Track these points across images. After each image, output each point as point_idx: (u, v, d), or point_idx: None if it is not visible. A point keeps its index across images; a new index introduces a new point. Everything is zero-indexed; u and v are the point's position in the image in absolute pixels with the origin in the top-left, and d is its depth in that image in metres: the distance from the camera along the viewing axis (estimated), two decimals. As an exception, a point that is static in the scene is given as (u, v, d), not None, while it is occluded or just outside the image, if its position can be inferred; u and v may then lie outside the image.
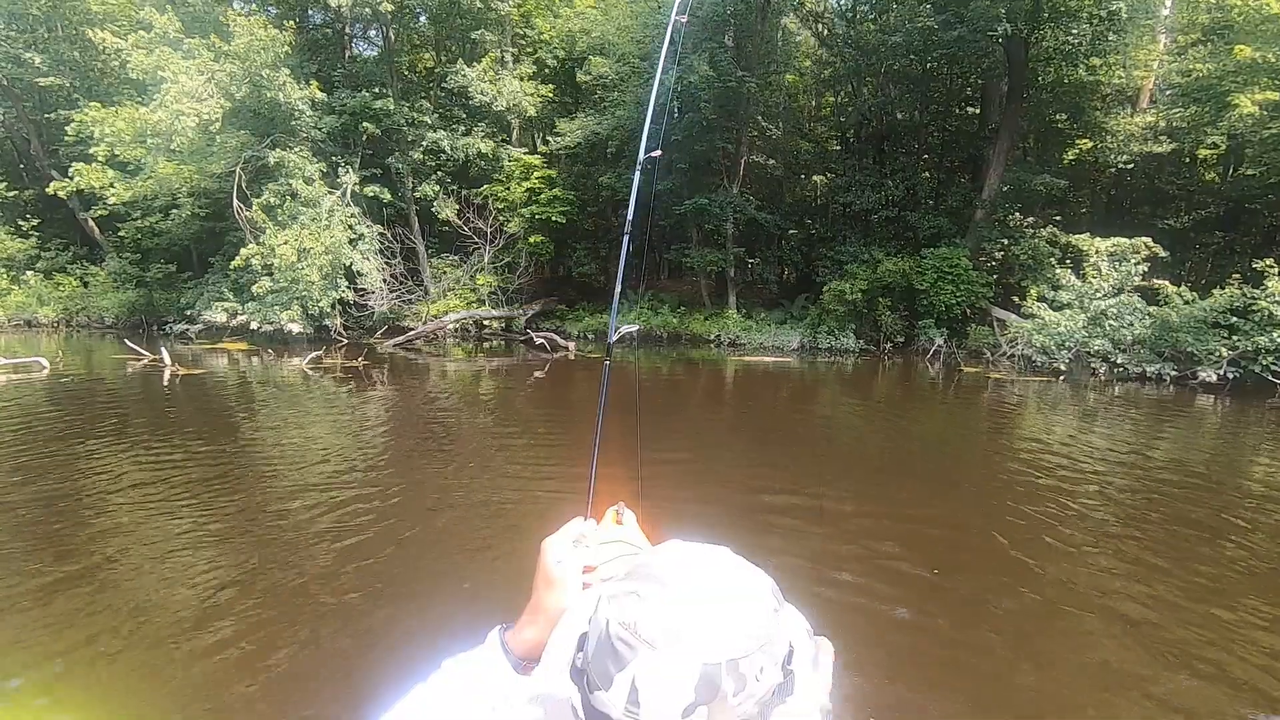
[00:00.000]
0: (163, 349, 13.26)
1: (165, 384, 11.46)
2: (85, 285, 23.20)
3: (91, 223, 23.23)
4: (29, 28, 21.92)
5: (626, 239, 1.75)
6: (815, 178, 23.55)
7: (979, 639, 3.82)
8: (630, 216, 1.76)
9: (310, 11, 21.05)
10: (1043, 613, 4.13)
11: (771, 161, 23.51)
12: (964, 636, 3.82)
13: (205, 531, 5.01)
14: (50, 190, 19.10)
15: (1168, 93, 18.62)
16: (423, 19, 22.05)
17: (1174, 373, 13.47)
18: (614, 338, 1.61)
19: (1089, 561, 4.90)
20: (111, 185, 17.66)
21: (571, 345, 17.38)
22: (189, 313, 19.52)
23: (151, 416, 9.07)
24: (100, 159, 17.36)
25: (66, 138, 18.65)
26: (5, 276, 22.69)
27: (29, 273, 23.13)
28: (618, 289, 1.82)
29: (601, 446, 1.35)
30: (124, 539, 4.87)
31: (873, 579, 4.43)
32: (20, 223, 23.53)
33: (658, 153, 1.70)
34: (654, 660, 0.59)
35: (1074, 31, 15.11)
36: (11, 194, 23.52)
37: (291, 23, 17.31)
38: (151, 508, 5.46)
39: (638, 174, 1.71)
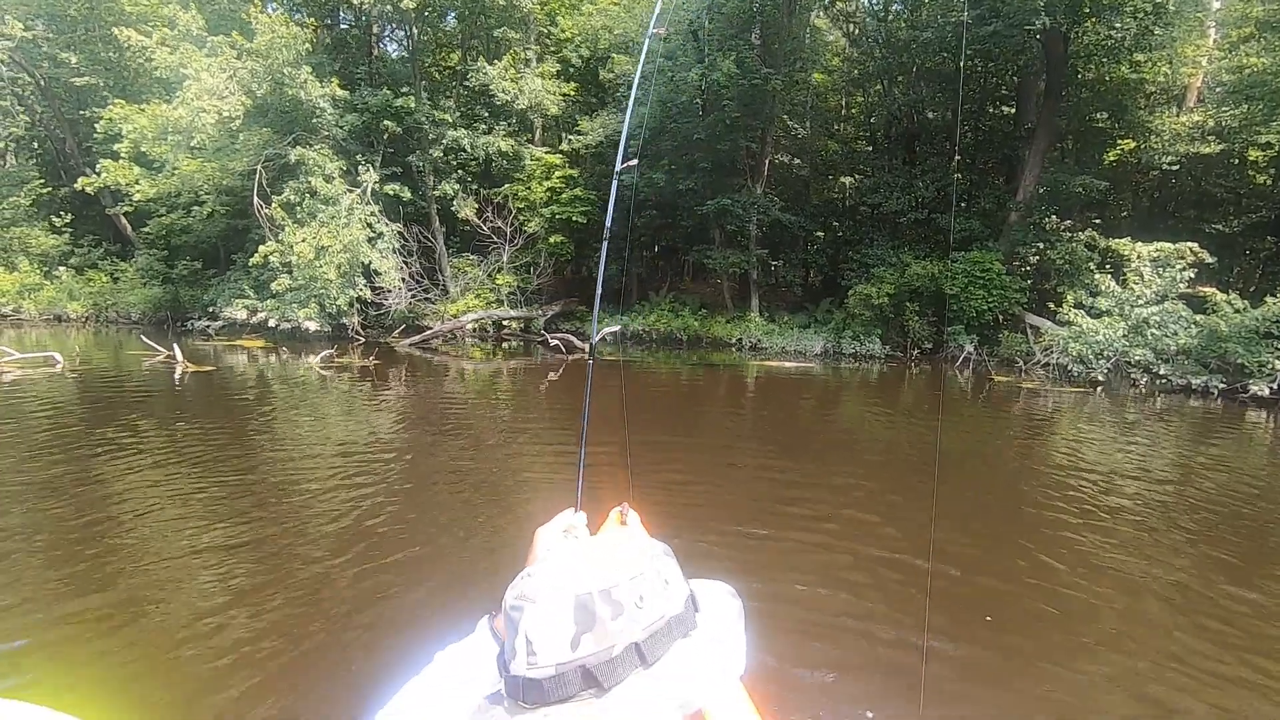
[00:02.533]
0: (175, 345, 13.25)
1: (176, 380, 11.42)
2: (115, 281, 23.58)
3: (124, 220, 23.63)
4: (67, 28, 22.39)
5: (605, 245, 1.90)
6: (843, 179, 22.98)
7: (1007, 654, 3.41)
8: (608, 223, 1.87)
9: (341, 13, 21.24)
10: (1072, 631, 3.72)
11: (797, 161, 23.03)
12: (990, 650, 3.41)
13: (200, 528, 4.79)
14: (78, 186, 19.40)
15: (1217, 90, 17.73)
16: (451, 18, 22.05)
17: (1222, 385, 12.70)
18: (595, 339, 1.82)
19: (1126, 581, 4.46)
20: (137, 182, 17.85)
21: (587, 347, 17.06)
22: (211, 309, 19.68)
23: (152, 412, 8.95)
24: (124, 155, 17.57)
25: (96, 135, 18.94)
26: (38, 272, 23.17)
27: (61, 268, 23.59)
28: (598, 294, 1.99)
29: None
30: (120, 536, 4.69)
31: (882, 580, 4.04)
32: (54, 219, 24.05)
33: (634, 162, 1.82)
34: (536, 609, 0.65)
35: (1117, 25, 14.38)
36: (46, 191, 24.04)
37: (312, 19, 17.32)
38: (143, 500, 5.28)
39: (615, 182, 1.84)
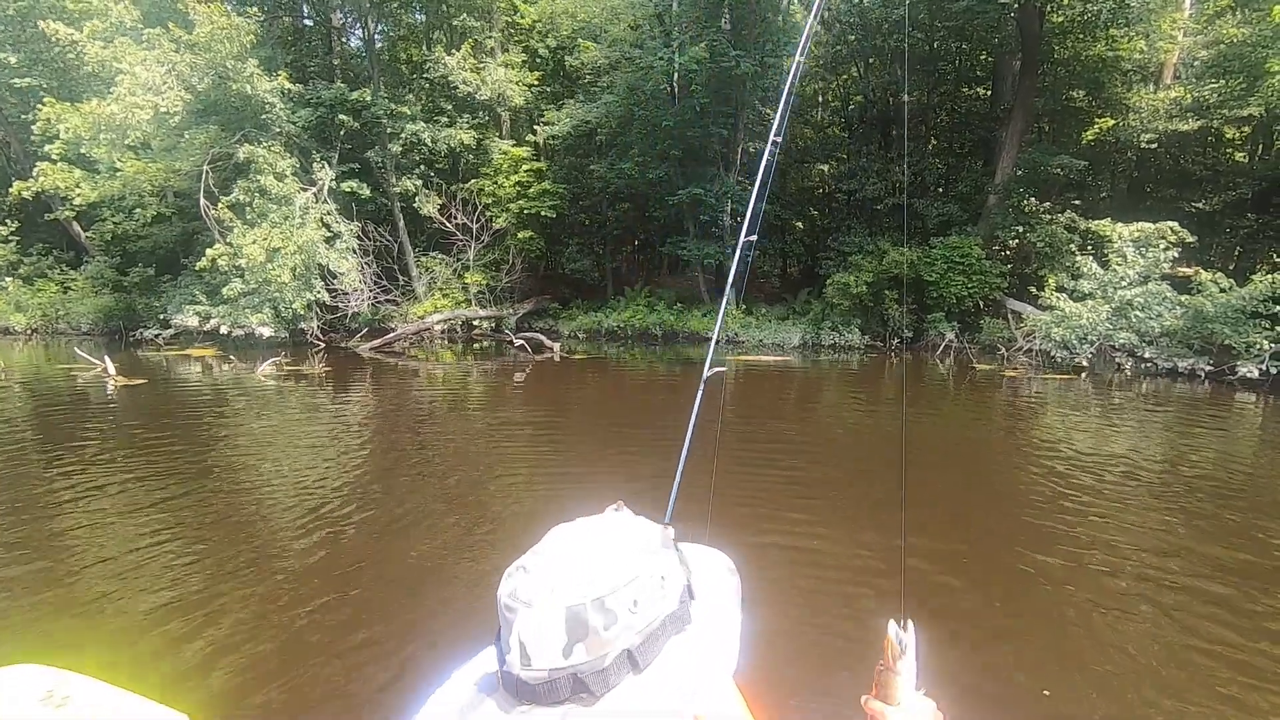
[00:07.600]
0: (105, 357, 12.39)
1: (109, 394, 10.64)
2: (65, 290, 22.49)
3: (76, 226, 22.52)
4: (13, 28, 21.22)
5: (723, 304, 2.58)
6: (819, 166, 22.49)
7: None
8: (729, 283, 2.45)
9: (304, 7, 20.43)
10: (1063, 626, 3.32)
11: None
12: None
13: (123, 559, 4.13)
14: (13, 191, 18.39)
15: (1193, 66, 17.42)
16: (414, 10, 21.25)
17: (1209, 367, 12.34)
18: (707, 374, 2.07)
19: (1114, 575, 4.08)
20: (78, 185, 16.88)
21: (556, 346, 16.35)
22: (163, 317, 18.74)
23: (57, 433, 8.17)
24: (56, 157, 16.60)
25: (33, 137, 17.93)
26: (-19, 283, 22.05)
27: (8, 279, 22.47)
28: (717, 333, 2.37)
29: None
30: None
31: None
32: (1, 227, 22.87)
33: (753, 237, 2.18)
34: (528, 615, 0.64)
35: (1092, -1, 13.99)
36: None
37: (254, 9, 16.40)
38: (53, 520, 4.61)
39: (738, 253, 2.22)
